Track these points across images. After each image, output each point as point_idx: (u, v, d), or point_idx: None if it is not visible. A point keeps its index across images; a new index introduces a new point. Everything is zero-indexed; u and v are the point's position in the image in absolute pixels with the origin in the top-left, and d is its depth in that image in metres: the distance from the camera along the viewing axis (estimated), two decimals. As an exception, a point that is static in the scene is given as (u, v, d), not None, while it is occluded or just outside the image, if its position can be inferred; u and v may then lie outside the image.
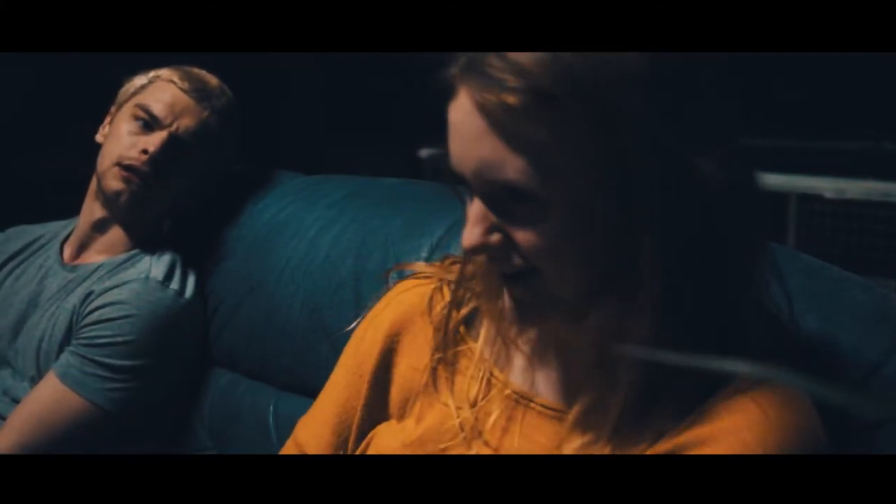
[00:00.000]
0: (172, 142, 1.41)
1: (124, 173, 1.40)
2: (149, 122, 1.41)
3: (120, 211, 1.43)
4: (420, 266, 0.94)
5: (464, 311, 0.86)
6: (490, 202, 0.73)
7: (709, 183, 0.70)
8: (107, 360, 1.34)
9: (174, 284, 1.40)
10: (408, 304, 0.90)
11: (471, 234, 0.73)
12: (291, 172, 1.62)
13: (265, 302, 1.39)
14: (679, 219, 0.70)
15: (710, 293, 0.73)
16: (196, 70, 1.48)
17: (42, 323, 1.40)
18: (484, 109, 0.69)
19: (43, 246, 1.51)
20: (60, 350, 1.37)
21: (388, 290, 0.94)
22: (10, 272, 1.49)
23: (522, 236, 0.72)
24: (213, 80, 1.48)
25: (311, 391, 1.08)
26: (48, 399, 1.32)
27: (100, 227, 1.46)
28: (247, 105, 1.53)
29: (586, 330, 0.78)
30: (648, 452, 0.74)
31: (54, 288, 1.43)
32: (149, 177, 1.40)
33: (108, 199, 1.43)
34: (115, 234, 1.46)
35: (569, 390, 0.80)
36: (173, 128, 1.41)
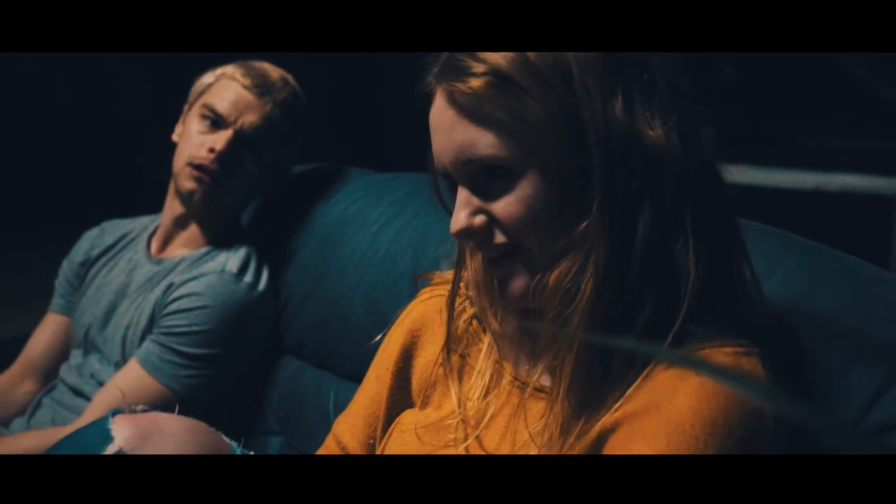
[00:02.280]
0: (238, 139, 1.47)
1: (195, 173, 1.46)
2: (215, 121, 1.48)
3: (195, 208, 1.50)
4: (440, 274, 1.01)
5: (472, 310, 0.93)
6: (471, 185, 0.82)
7: (655, 152, 0.78)
8: (183, 348, 1.42)
9: (248, 277, 1.47)
10: (427, 307, 0.99)
11: (457, 219, 0.82)
12: (363, 169, 1.68)
13: (330, 293, 1.45)
14: (625, 185, 0.78)
15: (658, 260, 0.79)
16: (259, 64, 1.52)
17: (129, 312, 1.49)
18: (453, 100, 0.80)
19: (133, 240, 1.61)
20: (143, 338, 1.46)
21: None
22: (104, 264, 1.60)
23: (502, 210, 0.81)
24: (274, 74, 1.52)
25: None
26: (129, 383, 1.41)
27: (180, 223, 1.54)
28: (342, 103, 1.56)
29: (549, 293, 0.83)
30: (602, 422, 0.79)
31: (141, 280, 1.52)
32: (218, 174, 1.47)
33: (182, 198, 1.50)
34: (195, 229, 1.53)
35: (551, 368, 0.85)
36: (238, 125, 1.47)
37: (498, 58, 0.79)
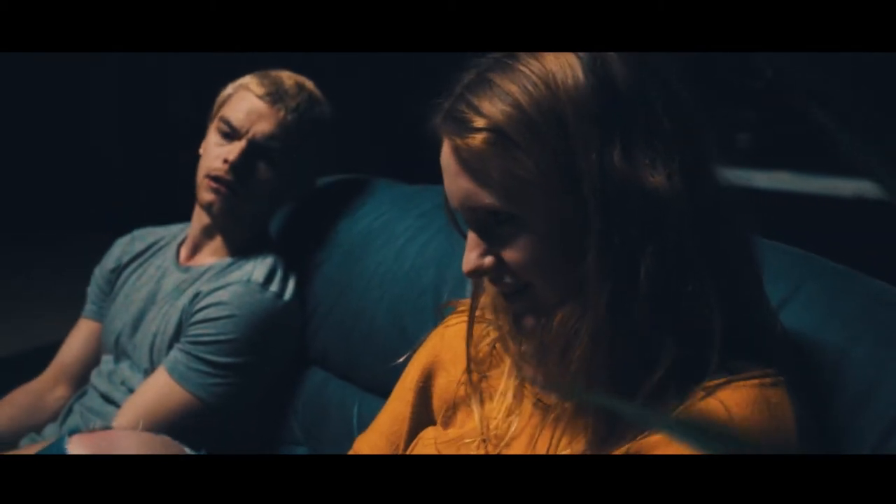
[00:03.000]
0: (251, 148, 1.48)
1: (213, 184, 1.48)
2: (230, 133, 1.49)
3: (216, 219, 1.52)
4: (464, 301, 1.02)
5: (495, 334, 0.94)
6: (479, 229, 0.84)
7: (656, 197, 0.78)
8: (209, 357, 1.43)
9: (274, 287, 1.49)
10: (451, 331, 1.01)
11: (468, 260, 0.85)
12: (392, 181, 1.69)
13: (354, 305, 1.46)
14: (623, 230, 0.78)
15: (670, 303, 0.80)
16: (274, 73, 1.54)
17: (157, 320, 1.51)
18: (457, 151, 0.83)
19: (162, 247, 1.63)
20: (171, 346, 1.48)
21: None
22: (134, 271, 1.62)
23: (509, 254, 0.83)
24: (288, 80, 1.53)
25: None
26: (156, 391, 1.43)
27: (207, 233, 1.56)
28: (381, 113, 1.57)
29: (557, 331, 0.84)
30: (623, 452, 0.80)
31: (169, 287, 1.54)
32: (234, 184, 1.48)
33: (204, 209, 1.52)
34: (221, 238, 1.55)
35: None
36: (250, 135, 1.48)
37: (496, 113, 0.80)
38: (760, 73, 2.73)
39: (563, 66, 0.80)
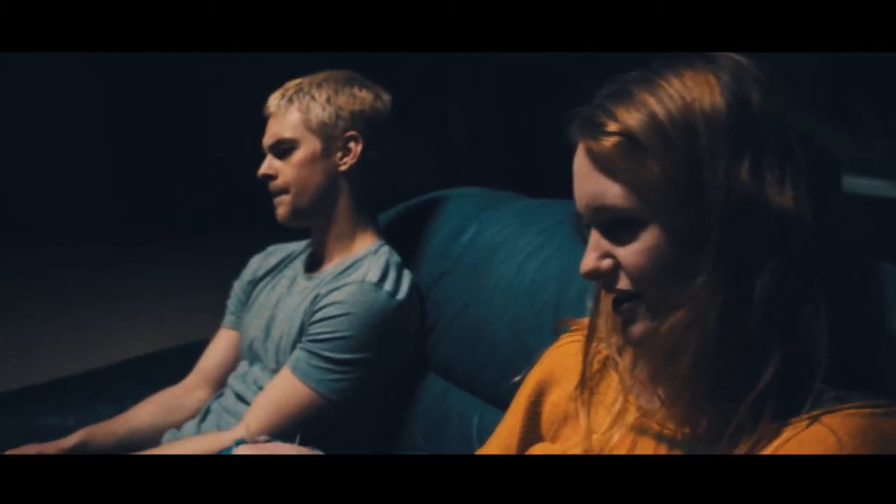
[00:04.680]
0: (272, 153, 1.62)
1: (274, 198, 1.63)
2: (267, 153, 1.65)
3: (291, 223, 1.64)
4: (578, 321, 1.07)
5: (605, 352, 0.98)
6: (602, 230, 0.88)
7: (781, 216, 0.80)
8: (328, 354, 1.51)
9: (387, 286, 1.55)
10: (564, 350, 1.05)
11: (586, 261, 0.88)
12: (516, 195, 1.71)
13: (476, 319, 1.50)
14: (743, 245, 0.80)
15: (784, 323, 0.81)
16: (293, 81, 1.65)
17: (283, 324, 1.61)
18: (589, 153, 0.87)
19: (293, 260, 1.75)
20: (294, 347, 1.57)
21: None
22: (268, 283, 1.74)
23: (626, 258, 0.86)
24: (293, 82, 1.64)
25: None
26: (281, 388, 1.52)
27: (320, 242, 1.67)
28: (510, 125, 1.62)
29: (665, 338, 0.86)
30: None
31: (296, 294, 1.64)
32: (274, 192, 1.62)
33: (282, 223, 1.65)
34: (334, 245, 1.64)
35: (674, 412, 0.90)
36: (268, 144, 1.62)
37: (630, 119, 0.84)
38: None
39: (701, 84, 0.84)
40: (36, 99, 5.46)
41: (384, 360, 1.55)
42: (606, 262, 0.87)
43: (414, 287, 1.59)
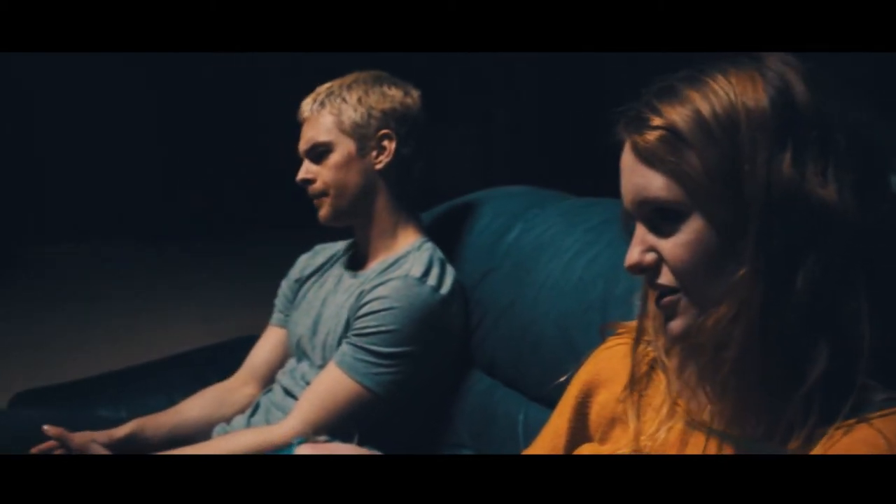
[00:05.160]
0: (308, 157, 1.65)
1: (314, 201, 1.66)
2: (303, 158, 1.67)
3: (333, 223, 1.67)
4: (625, 324, 1.07)
5: (653, 354, 0.98)
6: (647, 223, 0.89)
7: (824, 209, 0.80)
8: (374, 347, 1.53)
9: (431, 280, 1.57)
10: (612, 353, 1.05)
11: (631, 254, 0.90)
12: (563, 194, 1.71)
13: (522, 317, 1.50)
14: (784, 238, 0.81)
15: (828, 318, 0.81)
16: (324, 84, 1.67)
17: (330, 321, 1.63)
18: (635, 146, 0.89)
19: (340, 259, 1.77)
20: (340, 342, 1.59)
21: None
22: (315, 281, 1.77)
23: (669, 251, 0.87)
24: (324, 85, 1.67)
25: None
26: (328, 382, 1.54)
27: (363, 241, 1.69)
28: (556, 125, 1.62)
29: (710, 333, 0.86)
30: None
31: (342, 292, 1.66)
32: (313, 195, 1.65)
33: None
34: (377, 243, 1.66)
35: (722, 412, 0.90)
36: (307, 147, 1.65)
37: (674, 114, 0.86)
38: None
39: (745, 81, 0.85)
40: (36, 98, 5.62)
41: (428, 355, 1.56)
42: (650, 256, 0.88)
43: (457, 283, 1.60)
